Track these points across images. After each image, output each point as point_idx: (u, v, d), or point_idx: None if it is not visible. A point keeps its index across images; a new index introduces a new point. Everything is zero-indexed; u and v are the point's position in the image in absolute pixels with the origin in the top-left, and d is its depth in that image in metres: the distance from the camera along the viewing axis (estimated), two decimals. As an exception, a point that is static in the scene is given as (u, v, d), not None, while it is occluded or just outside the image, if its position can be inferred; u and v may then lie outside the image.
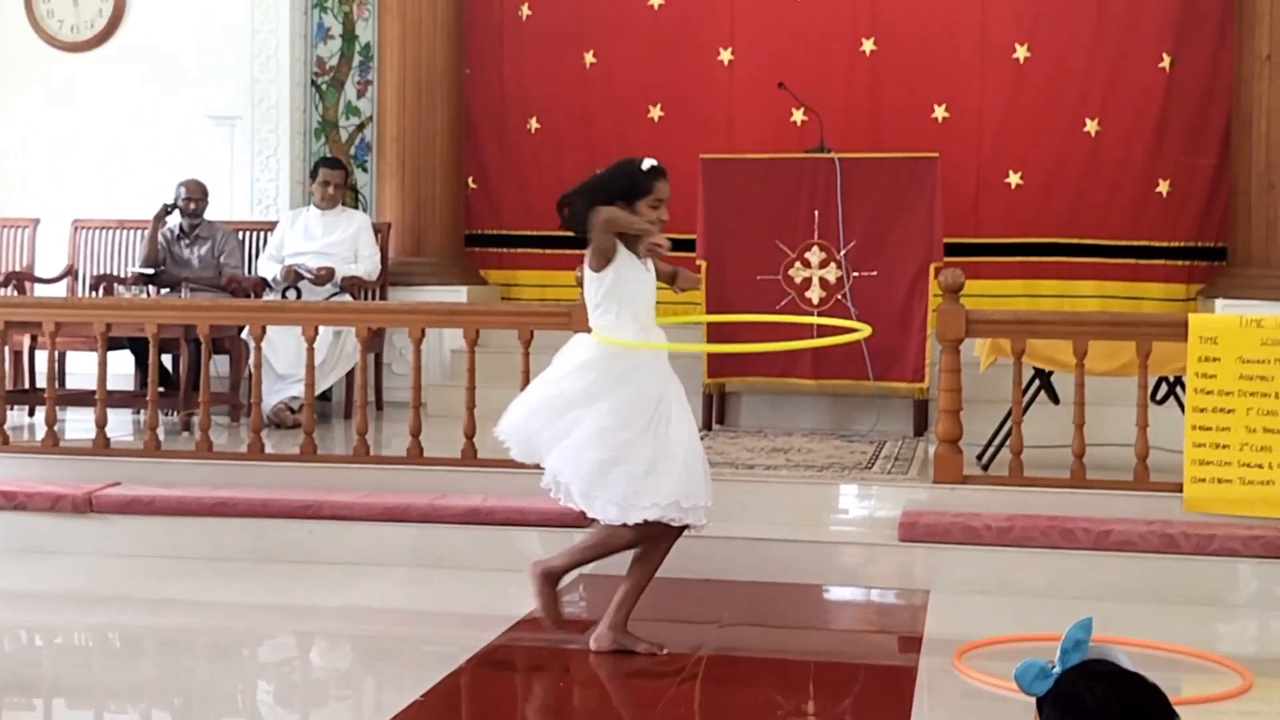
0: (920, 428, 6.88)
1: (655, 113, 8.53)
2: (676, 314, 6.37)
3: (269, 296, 7.68)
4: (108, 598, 5.18)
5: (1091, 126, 8.11)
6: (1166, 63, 8.02)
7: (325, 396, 7.70)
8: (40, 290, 8.16)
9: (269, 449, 6.18)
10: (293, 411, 7.20)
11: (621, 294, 4.25)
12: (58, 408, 6.31)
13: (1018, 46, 8.17)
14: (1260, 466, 5.19)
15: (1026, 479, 5.44)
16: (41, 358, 7.28)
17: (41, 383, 7.00)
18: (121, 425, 7.19)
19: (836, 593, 5.23)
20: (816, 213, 6.90)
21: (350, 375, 7.55)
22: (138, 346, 7.20)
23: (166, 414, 7.19)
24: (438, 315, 6.43)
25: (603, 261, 4.24)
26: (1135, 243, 8.12)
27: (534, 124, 8.67)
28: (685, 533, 4.35)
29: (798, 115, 8.18)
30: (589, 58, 8.60)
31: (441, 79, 8.38)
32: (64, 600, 5.18)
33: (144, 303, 6.82)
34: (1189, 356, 5.28)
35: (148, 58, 8.61)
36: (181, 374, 7.09)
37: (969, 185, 8.17)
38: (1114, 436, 5.84)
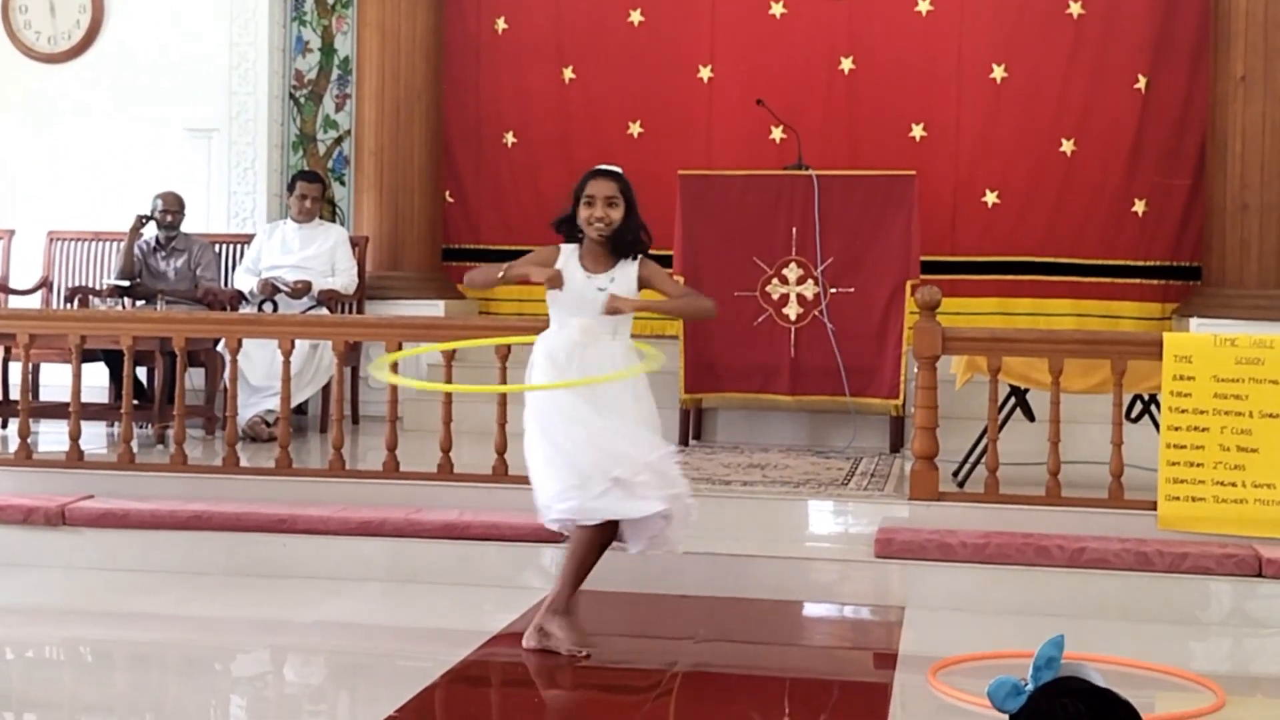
0: (896, 444, 6.89)
1: (634, 129, 8.55)
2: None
3: (245, 309, 7.66)
4: (80, 611, 5.14)
5: (1068, 147, 8.16)
6: (1142, 84, 8.08)
7: (301, 410, 7.68)
8: (15, 302, 8.12)
9: (244, 462, 6.15)
10: (268, 425, 7.18)
11: (555, 299, 4.44)
12: (31, 420, 6.27)
13: (995, 67, 8.23)
14: (1234, 485, 5.22)
15: (1002, 496, 5.45)
16: (15, 370, 7.24)
17: (15, 395, 6.97)
18: (95, 438, 7.15)
19: (812, 609, 5.23)
20: (794, 230, 6.92)
21: (326, 389, 7.53)
22: (112, 359, 7.16)
23: (141, 427, 7.15)
24: (415, 329, 6.42)
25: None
26: (1111, 262, 8.17)
27: (511, 139, 8.68)
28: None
29: (776, 133, 8.21)
30: (568, 73, 8.62)
31: (420, 93, 8.38)
32: (36, 614, 5.14)
33: (119, 315, 6.78)
34: (1164, 375, 5.31)
35: (125, 69, 8.60)
36: (156, 387, 7.06)
37: (946, 204, 8.21)
38: (1089, 454, 5.86)
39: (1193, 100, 8.03)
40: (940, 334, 5.49)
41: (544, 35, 8.63)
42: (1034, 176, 8.20)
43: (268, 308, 7.61)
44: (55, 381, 7.49)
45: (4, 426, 7.50)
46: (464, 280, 4.47)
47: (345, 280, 7.87)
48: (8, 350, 7.43)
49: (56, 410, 6.84)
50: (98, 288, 7.93)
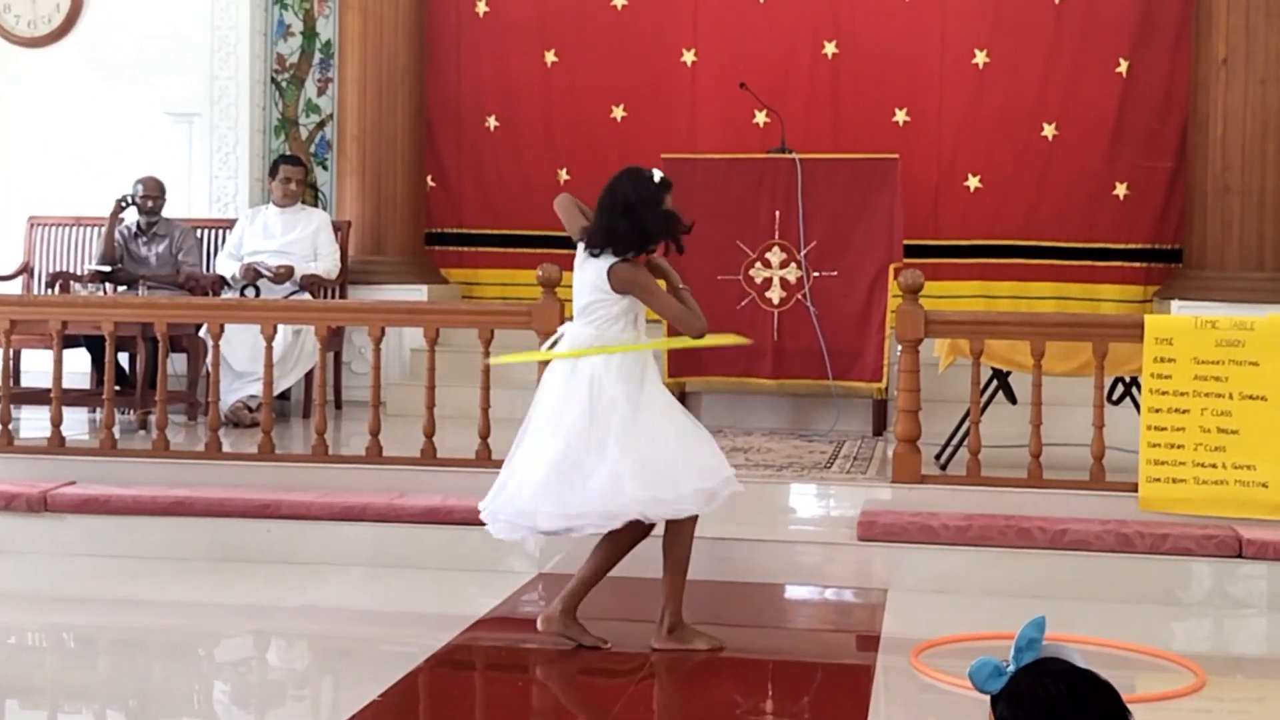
0: (879, 427, 6.91)
1: (618, 113, 8.53)
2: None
3: (227, 294, 7.64)
4: (63, 598, 5.13)
5: (1049, 131, 8.18)
6: (1124, 68, 8.09)
7: (284, 395, 7.66)
8: (-5, 287, 8.08)
9: (227, 448, 6.14)
10: (251, 410, 7.16)
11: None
12: (12, 406, 6.25)
13: (977, 52, 8.23)
14: (1214, 466, 5.25)
15: (984, 479, 5.47)
16: (-4, 355, 7.21)
17: (-4, 381, 6.94)
18: (77, 424, 7.13)
19: (795, 591, 5.25)
20: (777, 213, 6.92)
21: (309, 374, 7.51)
22: (94, 344, 7.13)
23: (123, 412, 7.13)
24: (398, 314, 6.41)
25: None
26: (1092, 245, 8.19)
27: (493, 122, 8.65)
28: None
29: (760, 117, 8.20)
30: (550, 56, 8.59)
31: (403, 77, 8.35)
32: (18, 600, 5.13)
33: (100, 300, 6.76)
34: (1144, 357, 5.33)
35: (105, 53, 8.55)
36: (138, 372, 7.04)
37: (929, 188, 8.21)
38: (1070, 436, 5.88)
39: (1174, 83, 8.04)
40: (923, 317, 5.50)
41: (526, 18, 8.60)
42: (1016, 160, 8.21)
43: (250, 293, 7.59)
44: (36, 367, 7.46)
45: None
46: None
47: (328, 265, 7.84)
48: (-12, 336, 7.39)
49: (38, 396, 6.82)
50: (79, 273, 7.90)
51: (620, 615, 4.54)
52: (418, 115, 8.49)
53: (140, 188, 7.74)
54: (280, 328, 6.62)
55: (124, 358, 7.25)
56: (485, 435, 5.73)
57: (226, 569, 5.38)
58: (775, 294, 6.94)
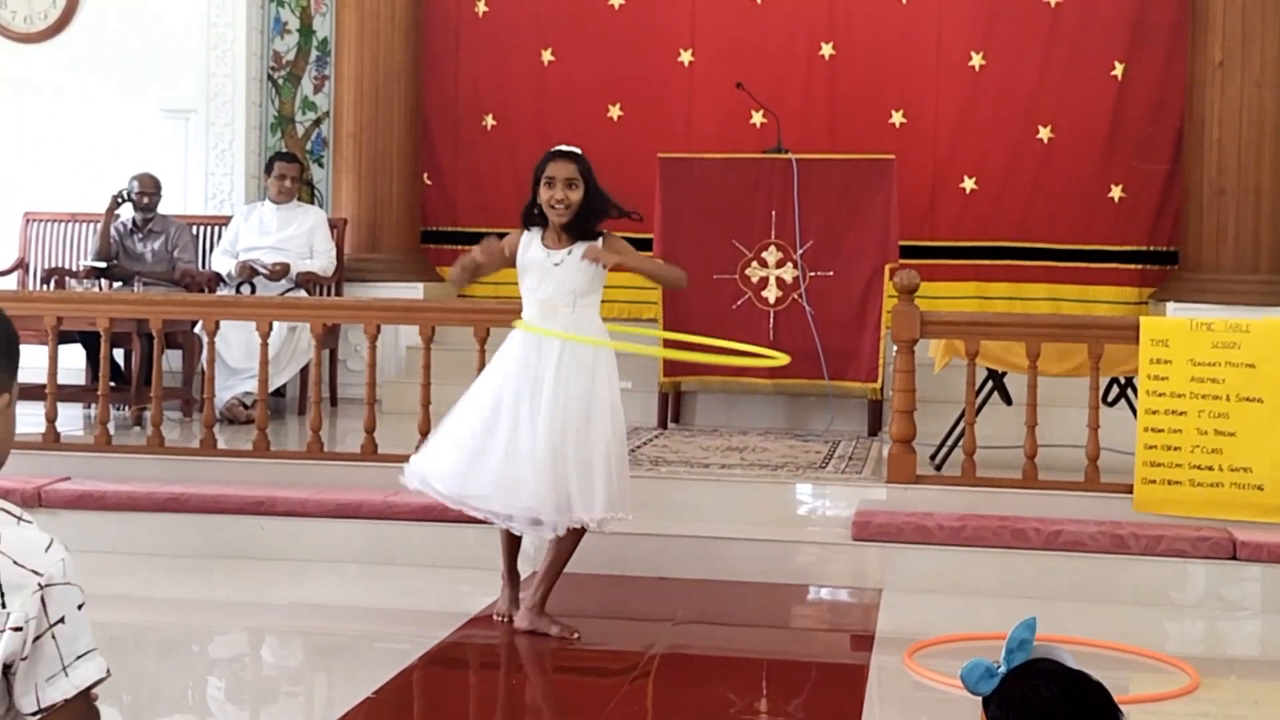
0: (874, 428, 6.91)
1: (614, 112, 8.53)
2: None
3: (223, 291, 7.63)
4: (56, 593, 5.12)
5: (1044, 133, 8.19)
6: (1119, 70, 8.10)
7: (279, 392, 7.66)
8: (-10, 283, 8.07)
9: (221, 444, 6.14)
10: (246, 407, 7.15)
11: (522, 281, 4.51)
12: (7, 402, 6.23)
13: (973, 54, 8.24)
14: (1210, 469, 5.25)
15: (979, 479, 5.48)
16: (-9, 351, 7.18)
17: (-9, 376, 6.92)
18: (72, 420, 7.12)
19: (790, 591, 5.25)
20: (773, 213, 6.92)
21: (304, 371, 7.51)
22: (89, 340, 7.13)
23: (118, 408, 7.13)
24: (393, 312, 6.41)
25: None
26: (1087, 247, 8.20)
27: (490, 121, 8.65)
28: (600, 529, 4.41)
29: (757, 117, 8.21)
30: (547, 56, 8.59)
31: (399, 75, 8.35)
32: (12, 596, 5.12)
33: (96, 296, 6.75)
34: (1141, 359, 5.33)
35: (102, 50, 8.54)
36: (133, 369, 7.03)
37: (924, 189, 8.23)
38: (1066, 438, 5.89)
39: (1169, 87, 8.06)
40: (919, 318, 5.50)
41: (524, 18, 8.60)
42: (1011, 162, 8.23)
43: (245, 290, 7.59)
44: (31, 363, 7.35)
45: (-20, 408, 7.45)
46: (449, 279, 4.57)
47: (323, 262, 7.84)
48: (-17, 332, 7.37)
49: (33, 392, 6.75)
50: (74, 269, 7.89)
51: (614, 614, 4.54)
52: (414, 113, 8.49)
53: (136, 184, 7.73)
54: (275, 325, 6.61)
55: (119, 354, 7.24)
56: (480, 433, 5.72)
57: (221, 565, 5.38)
58: (771, 294, 6.94)
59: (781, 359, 4.49)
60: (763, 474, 5.81)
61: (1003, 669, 2.00)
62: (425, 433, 5.77)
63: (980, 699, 2.01)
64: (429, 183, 8.72)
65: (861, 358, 6.83)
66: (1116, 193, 8.17)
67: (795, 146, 7.24)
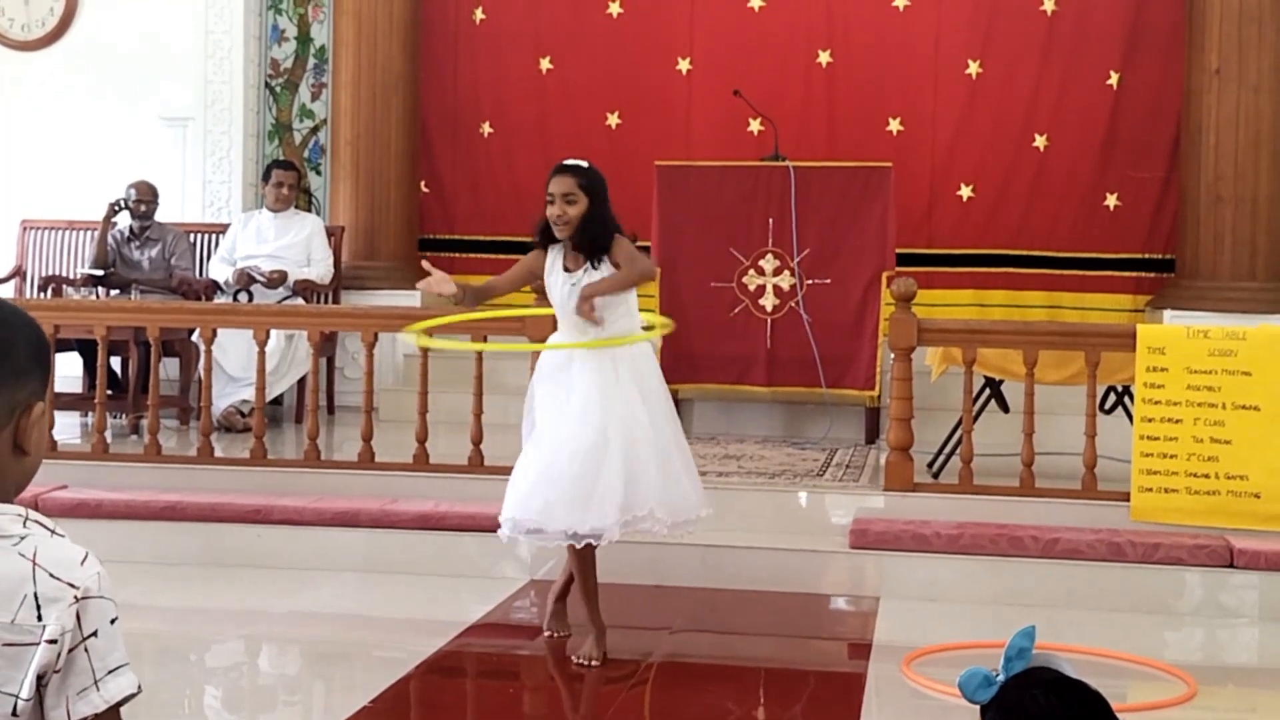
0: (872, 435, 6.91)
1: (613, 120, 8.54)
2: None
3: (220, 299, 7.63)
4: (53, 602, 5.11)
5: (1040, 141, 8.20)
6: (1114, 79, 8.12)
7: (276, 400, 7.65)
8: (-13, 291, 8.06)
9: (219, 453, 6.14)
10: (243, 415, 7.15)
11: (551, 299, 4.48)
12: (4, 410, 6.22)
13: (970, 62, 8.25)
14: (1206, 476, 5.25)
15: (976, 487, 5.48)
16: (-12, 359, 7.18)
17: (-12, 384, 6.91)
18: (69, 428, 7.11)
19: (787, 599, 5.24)
20: (771, 220, 6.93)
21: (302, 379, 7.51)
22: (86, 349, 7.12)
23: (115, 417, 7.12)
24: (391, 319, 6.40)
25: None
26: (1083, 254, 8.21)
27: (488, 129, 8.66)
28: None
29: (754, 125, 8.21)
30: (545, 64, 8.60)
31: (397, 82, 8.35)
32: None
33: (93, 304, 6.76)
34: (1137, 367, 5.34)
35: (99, 57, 8.53)
36: (130, 377, 7.02)
37: (922, 197, 8.24)
38: (1063, 445, 5.89)
39: (1164, 95, 8.07)
40: (916, 325, 5.50)
41: (522, 25, 8.61)
42: (1008, 170, 8.24)
43: (243, 298, 7.58)
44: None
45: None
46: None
47: (321, 270, 7.84)
48: (-20, 339, 7.36)
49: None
50: (72, 277, 7.88)
51: (612, 622, 4.54)
52: (412, 121, 8.49)
53: (133, 192, 7.73)
54: (273, 333, 6.61)
55: (116, 362, 7.24)
56: (478, 441, 5.73)
57: (218, 574, 5.37)
58: (769, 301, 6.94)
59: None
60: (760, 482, 5.81)
61: (1001, 677, 2.00)
62: (423, 440, 5.78)
63: (978, 707, 2.01)
64: (427, 190, 8.72)
65: (859, 365, 6.83)
66: (1111, 201, 8.18)
67: (793, 154, 7.25)
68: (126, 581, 5.24)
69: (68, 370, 7.21)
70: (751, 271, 6.95)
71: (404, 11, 8.36)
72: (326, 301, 7.92)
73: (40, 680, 1.59)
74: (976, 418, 5.71)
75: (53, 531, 1.68)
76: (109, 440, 6.11)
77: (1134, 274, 8.22)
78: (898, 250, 7.03)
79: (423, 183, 8.69)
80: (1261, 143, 7.62)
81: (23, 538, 1.62)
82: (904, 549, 5.20)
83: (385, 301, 7.81)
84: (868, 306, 6.82)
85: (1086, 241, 8.21)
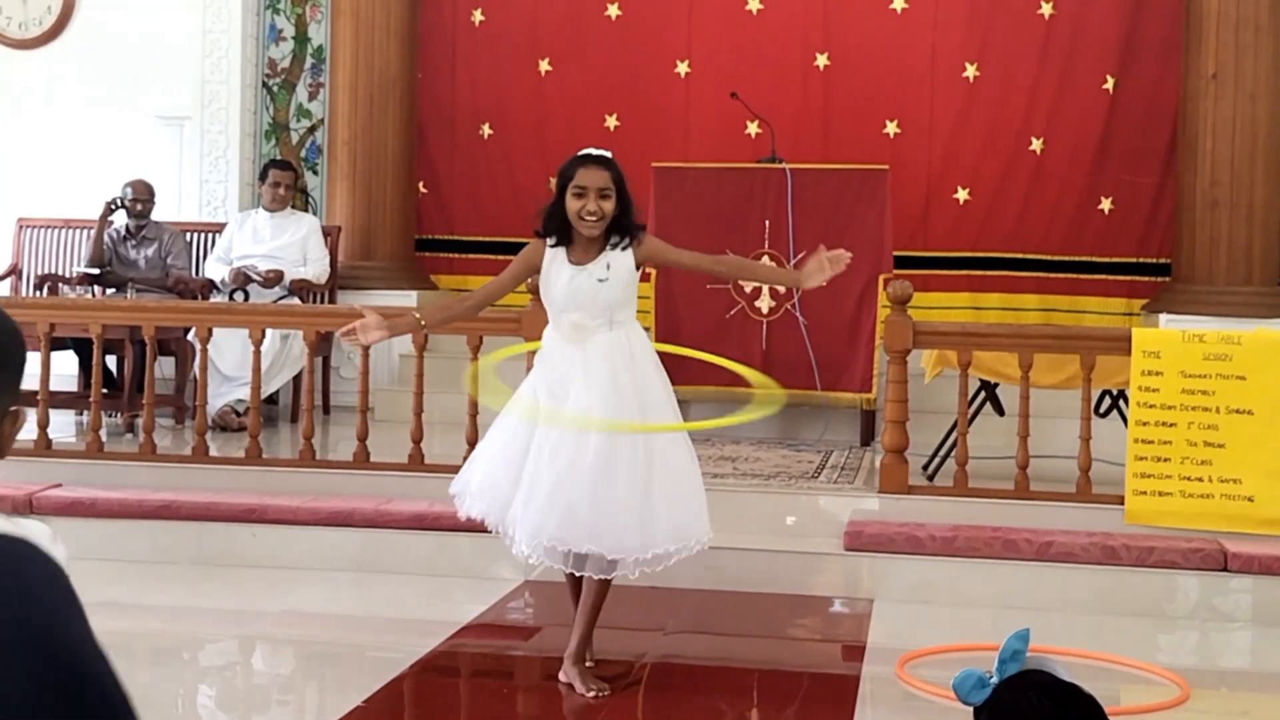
0: (867, 438, 6.92)
1: (611, 122, 8.54)
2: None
3: (216, 298, 7.63)
4: (47, 600, 5.11)
5: (1037, 145, 8.22)
6: (1110, 84, 8.14)
7: (272, 400, 7.65)
8: (-17, 289, 8.06)
9: (213, 452, 6.13)
10: (238, 414, 7.15)
11: (546, 296, 4.18)
12: (-1, 408, 6.22)
13: (967, 66, 8.26)
14: (1201, 480, 5.26)
15: (971, 490, 5.48)
16: (-17, 357, 7.17)
17: (-17, 382, 6.91)
18: (64, 426, 7.11)
19: (781, 601, 5.25)
20: (767, 222, 6.93)
21: (297, 379, 7.51)
22: (82, 347, 7.12)
23: (110, 415, 7.12)
24: (387, 319, 6.39)
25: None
26: (1078, 258, 8.23)
27: (486, 130, 8.66)
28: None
29: (752, 127, 8.22)
30: (544, 65, 8.60)
31: (394, 83, 8.35)
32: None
33: (89, 303, 6.75)
34: (1132, 370, 5.34)
35: (97, 56, 8.53)
36: (126, 375, 7.02)
37: (918, 200, 8.25)
38: (1057, 448, 5.90)
39: (1160, 100, 8.09)
40: (911, 328, 5.51)
41: (521, 27, 8.62)
42: (1004, 173, 8.26)
43: (239, 297, 7.58)
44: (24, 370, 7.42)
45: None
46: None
47: (317, 270, 7.84)
48: (-24, 338, 7.36)
49: (25, 398, 6.78)
50: (67, 275, 7.88)
51: (606, 623, 4.54)
52: (409, 121, 8.49)
53: (129, 191, 7.73)
54: (269, 332, 6.61)
55: (112, 360, 7.23)
56: (473, 442, 5.72)
57: (212, 573, 5.37)
58: (764, 303, 6.94)
59: (777, 394, 4.36)
60: (755, 484, 5.81)
61: (995, 680, 2.00)
62: (418, 440, 5.78)
63: (972, 709, 2.01)
64: (425, 191, 8.73)
65: (855, 368, 6.83)
66: (1106, 205, 8.20)
67: (790, 156, 7.25)
68: (120, 580, 5.26)
69: (63, 369, 7.20)
70: (747, 273, 6.94)
71: (402, 13, 8.36)
72: (322, 301, 7.92)
73: None
74: (971, 421, 5.72)
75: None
76: (104, 439, 6.11)
77: (1129, 278, 8.23)
78: (894, 253, 7.03)
79: (421, 184, 8.70)
80: (1257, 148, 7.63)
81: None
82: (898, 551, 5.20)
83: (381, 302, 7.79)
84: (864, 309, 6.82)
85: (1082, 245, 8.22)
